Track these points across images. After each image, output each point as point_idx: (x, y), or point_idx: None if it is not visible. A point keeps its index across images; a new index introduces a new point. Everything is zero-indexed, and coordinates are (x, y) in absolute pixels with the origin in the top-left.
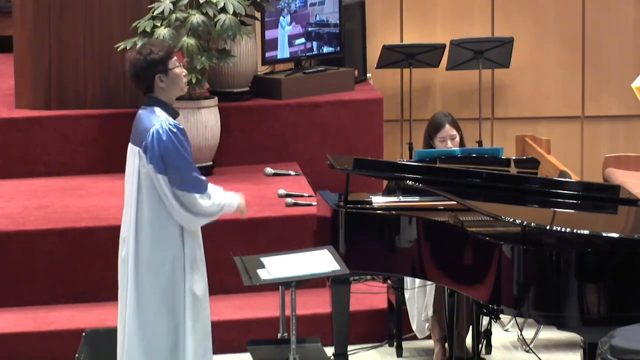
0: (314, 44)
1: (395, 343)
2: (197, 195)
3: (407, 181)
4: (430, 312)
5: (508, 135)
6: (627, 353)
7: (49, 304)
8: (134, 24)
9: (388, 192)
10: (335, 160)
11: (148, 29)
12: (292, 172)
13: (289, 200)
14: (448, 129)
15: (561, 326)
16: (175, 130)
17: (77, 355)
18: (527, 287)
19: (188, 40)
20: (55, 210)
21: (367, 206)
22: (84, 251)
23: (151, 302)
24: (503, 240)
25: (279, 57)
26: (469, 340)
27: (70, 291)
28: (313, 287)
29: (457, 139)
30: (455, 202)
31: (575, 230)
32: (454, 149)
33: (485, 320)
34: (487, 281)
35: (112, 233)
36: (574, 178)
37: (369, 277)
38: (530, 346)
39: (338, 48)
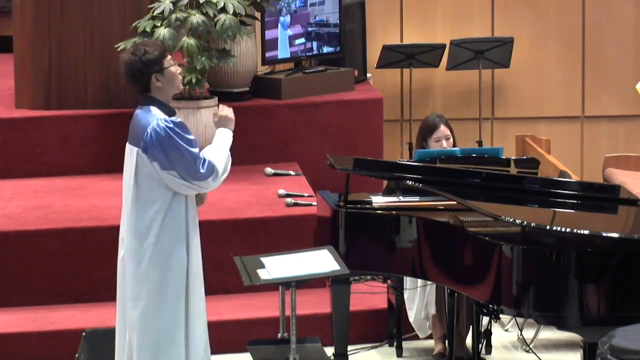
0: (314, 44)
1: (395, 343)
2: (210, 178)
3: (407, 181)
4: (431, 311)
5: (508, 135)
6: (627, 353)
7: (49, 304)
8: (134, 24)
9: (388, 192)
10: (335, 160)
11: (148, 29)
12: (292, 172)
13: (289, 200)
14: (443, 129)
15: (561, 326)
16: (171, 125)
17: (77, 355)
18: (527, 287)
19: (188, 40)
20: (55, 210)
21: (367, 206)
22: (84, 251)
23: (152, 297)
24: (503, 240)
25: (279, 57)
26: (469, 340)
27: (70, 291)
28: (313, 287)
29: (451, 139)
30: (455, 202)
31: (575, 231)
32: (454, 148)
33: (485, 320)
34: (487, 281)
35: (112, 233)
36: (574, 178)
37: (369, 277)
38: (530, 346)
39: (338, 48)
